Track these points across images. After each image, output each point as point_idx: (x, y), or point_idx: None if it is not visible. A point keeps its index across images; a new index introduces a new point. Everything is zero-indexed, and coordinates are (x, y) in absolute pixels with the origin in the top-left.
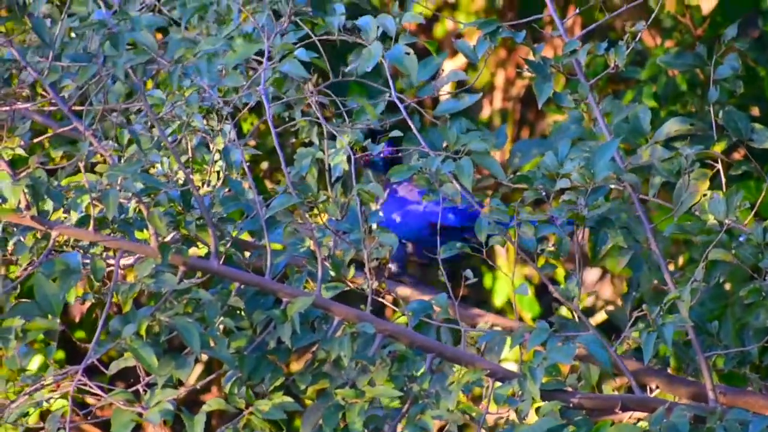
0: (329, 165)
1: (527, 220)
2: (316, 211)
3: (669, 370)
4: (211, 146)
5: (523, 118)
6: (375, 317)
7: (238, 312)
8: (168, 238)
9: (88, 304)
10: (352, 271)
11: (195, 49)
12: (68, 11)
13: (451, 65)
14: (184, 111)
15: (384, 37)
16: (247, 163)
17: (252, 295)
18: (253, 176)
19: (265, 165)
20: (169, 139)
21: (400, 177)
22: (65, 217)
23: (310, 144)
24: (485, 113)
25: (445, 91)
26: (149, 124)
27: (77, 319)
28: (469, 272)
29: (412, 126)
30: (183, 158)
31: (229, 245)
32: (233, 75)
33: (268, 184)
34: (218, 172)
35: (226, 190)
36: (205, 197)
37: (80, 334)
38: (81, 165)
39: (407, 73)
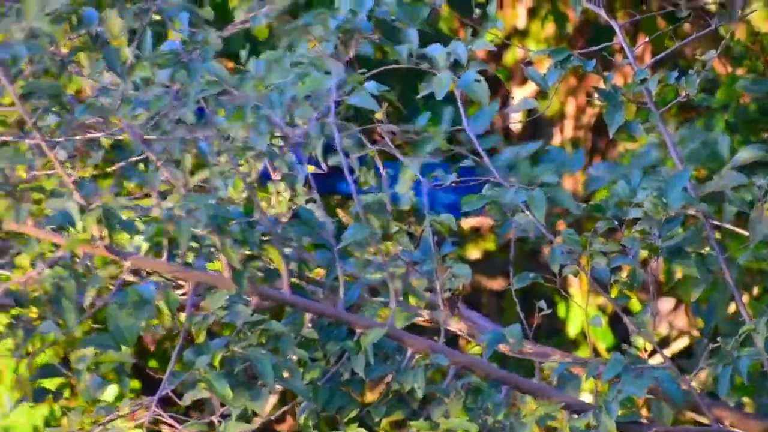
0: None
1: (599, 251)
2: (388, 241)
3: (743, 405)
4: (277, 174)
5: (595, 146)
6: (448, 348)
7: (311, 343)
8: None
9: (161, 333)
10: (425, 302)
11: (266, 80)
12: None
13: (522, 93)
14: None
15: (455, 65)
16: (320, 193)
17: (325, 326)
18: (326, 206)
19: (338, 195)
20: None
21: (472, 208)
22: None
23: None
24: (556, 141)
25: (516, 119)
26: (217, 152)
27: (152, 348)
28: (542, 303)
29: (484, 156)
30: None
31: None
32: (303, 106)
33: (342, 215)
34: (288, 201)
35: (297, 219)
36: (277, 227)
37: (154, 363)
38: (154, 195)
39: (478, 101)
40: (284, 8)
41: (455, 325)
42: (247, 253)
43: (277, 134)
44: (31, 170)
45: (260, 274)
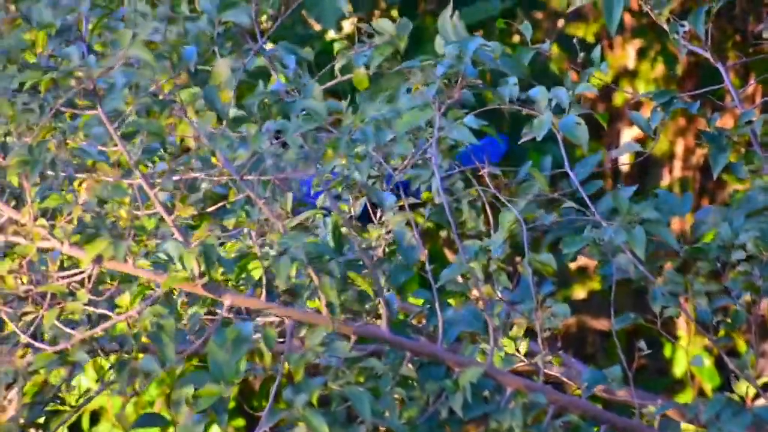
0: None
1: (702, 291)
2: (487, 281)
3: None
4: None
5: (703, 187)
6: (547, 387)
7: (410, 381)
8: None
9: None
10: (525, 343)
11: (363, 115)
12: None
13: (631, 133)
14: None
15: (558, 108)
16: (423, 230)
17: (424, 365)
18: (432, 244)
19: (444, 233)
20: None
21: (572, 248)
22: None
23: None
24: (665, 181)
25: (624, 160)
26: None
27: (256, 387)
28: (642, 344)
29: (584, 196)
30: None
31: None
32: (402, 142)
33: (448, 254)
34: (387, 239)
35: (398, 258)
36: (376, 265)
37: (258, 402)
38: (252, 233)
39: (578, 144)
40: (386, 55)
41: (554, 368)
42: (346, 290)
43: (376, 172)
44: (133, 210)
45: (358, 311)
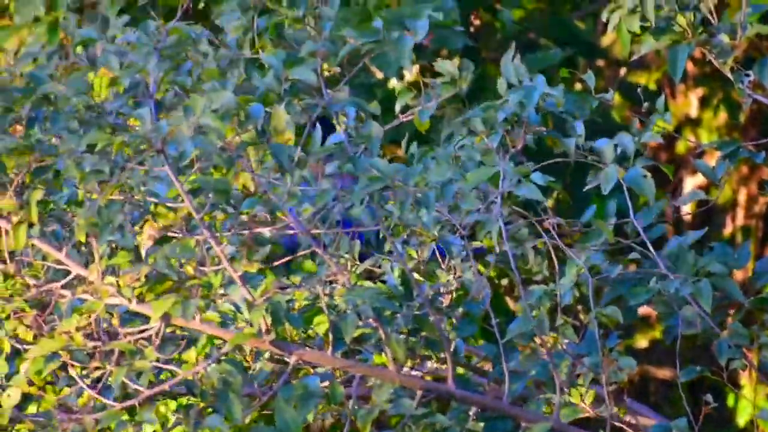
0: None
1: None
2: (553, 333)
3: None
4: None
5: (766, 235)
6: None
7: None
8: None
9: (327, 425)
10: (591, 393)
11: (429, 175)
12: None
13: (693, 181)
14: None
15: (623, 157)
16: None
17: (491, 419)
18: (494, 294)
19: (505, 281)
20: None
21: (638, 300)
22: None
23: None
24: (728, 229)
25: (686, 211)
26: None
27: None
28: (709, 397)
29: (650, 249)
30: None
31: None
32: (469, 198)
33: (510, 303)
34: (453, 291)
35: (461, 311)
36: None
37: None
38: (319, 289)
39: (644, 196)
40: (448, 99)
41: (621, 419)
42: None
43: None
44: (199, 265)
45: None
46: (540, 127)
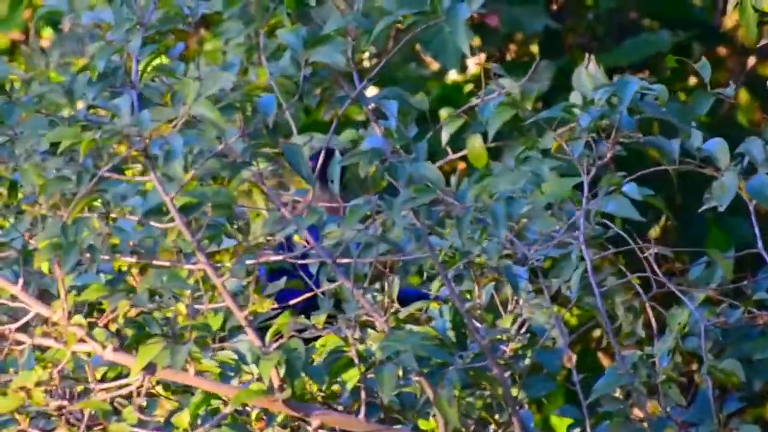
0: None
1: None
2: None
3: None
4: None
5: None
6: None
7: None
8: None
9: None
10: None
11: (492, 186)
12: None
13: None
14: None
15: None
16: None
17: None
18: (582, 346)
19: (596, 332)
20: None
21: (767, 354)
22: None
23: None
24: None
25: None
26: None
27: None
28: None
29: None
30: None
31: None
32: (544, 219)
33: (603, 359)
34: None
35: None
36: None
37: None
38: (348, 333)
39: None
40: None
41: None
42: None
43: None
44: (194, 303)
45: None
46: (635, 133)
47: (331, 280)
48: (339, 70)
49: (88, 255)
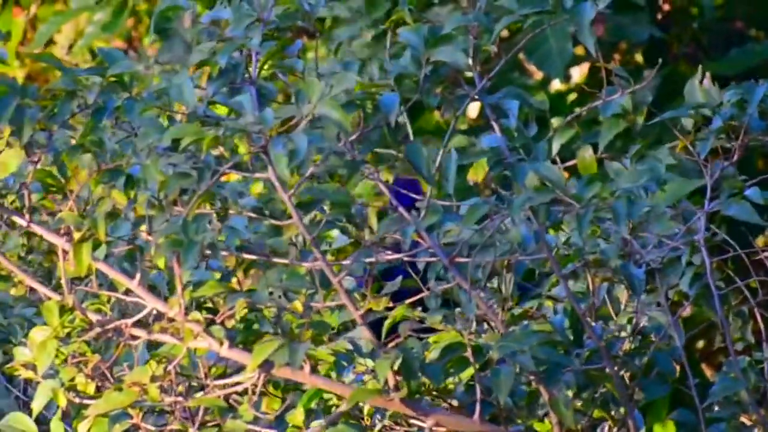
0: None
1: None
2: None
3: None
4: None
5: None
6: None
7: None
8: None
9: None
10: None
11: (612, 184)
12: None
13: None
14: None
15: None
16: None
17: None
18: (687, 357)
19: (701, 343)
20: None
21: None
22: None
23: None
24: None
25: None
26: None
27: None
28: None
29: None
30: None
31: None
32: (663, 220)
33: (707, 371)
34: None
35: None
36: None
37: None
38: (464, 333)
39: None
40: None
41: None
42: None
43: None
44: (310, 300)
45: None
46: (763, 135)
47: (439, 279)
48: (460, 69)
49: (209, 252)
